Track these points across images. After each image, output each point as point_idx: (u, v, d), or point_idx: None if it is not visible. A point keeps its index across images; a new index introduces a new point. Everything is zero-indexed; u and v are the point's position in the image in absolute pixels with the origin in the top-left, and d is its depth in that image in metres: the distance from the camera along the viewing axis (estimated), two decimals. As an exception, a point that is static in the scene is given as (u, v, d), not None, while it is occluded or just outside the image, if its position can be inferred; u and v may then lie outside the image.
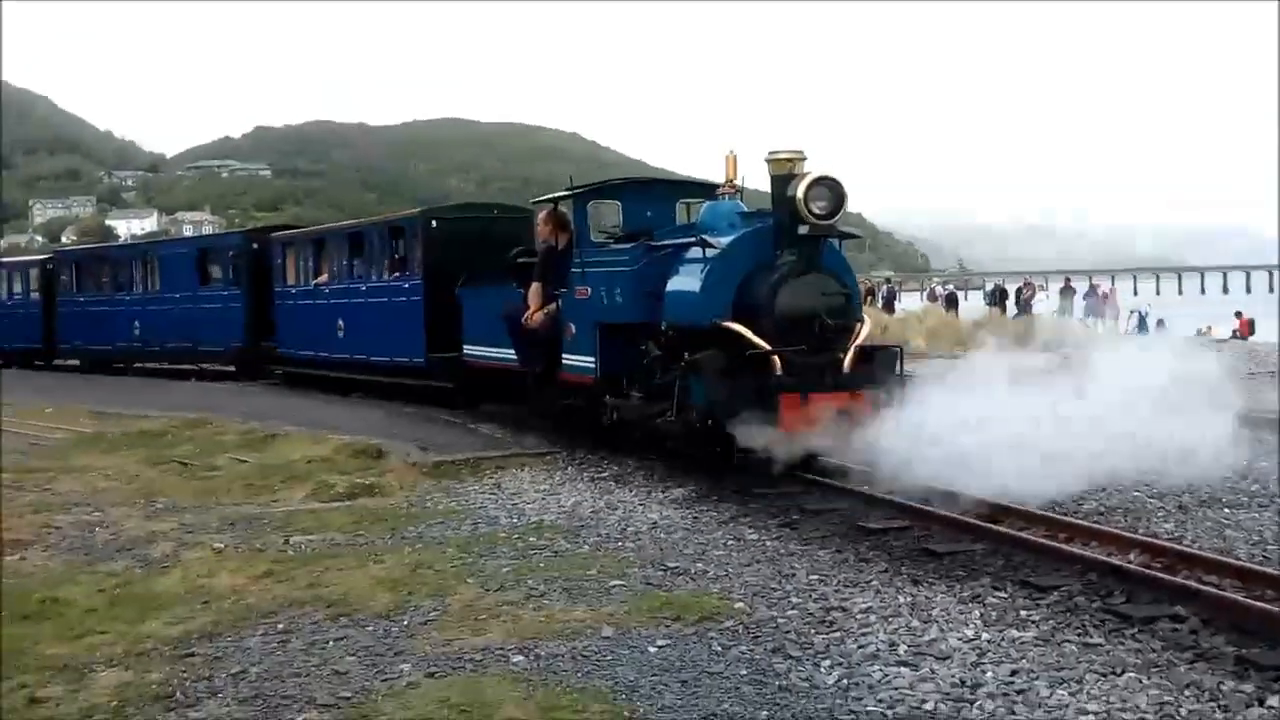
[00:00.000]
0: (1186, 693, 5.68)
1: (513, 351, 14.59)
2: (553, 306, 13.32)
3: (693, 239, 11.50)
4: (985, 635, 6.64)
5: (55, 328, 31.97)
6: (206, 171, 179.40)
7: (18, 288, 34.37)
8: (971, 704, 5.67)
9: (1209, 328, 38.04)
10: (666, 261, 11.80)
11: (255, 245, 25.27)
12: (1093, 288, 45.27)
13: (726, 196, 12.08)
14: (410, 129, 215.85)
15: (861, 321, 11.27)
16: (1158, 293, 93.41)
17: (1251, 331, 37.38)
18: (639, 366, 11.90)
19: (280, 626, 7.42)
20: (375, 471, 12.83)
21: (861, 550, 8.67)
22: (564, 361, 13.08)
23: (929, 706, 5.66)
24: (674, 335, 11.46)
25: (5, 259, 43.90)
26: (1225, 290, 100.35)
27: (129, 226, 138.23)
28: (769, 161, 10.87)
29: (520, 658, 6.57)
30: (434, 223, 18.26)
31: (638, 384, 11.95)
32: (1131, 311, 46.45)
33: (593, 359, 12.42)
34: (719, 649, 6.63)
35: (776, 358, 10.50)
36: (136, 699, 6.23)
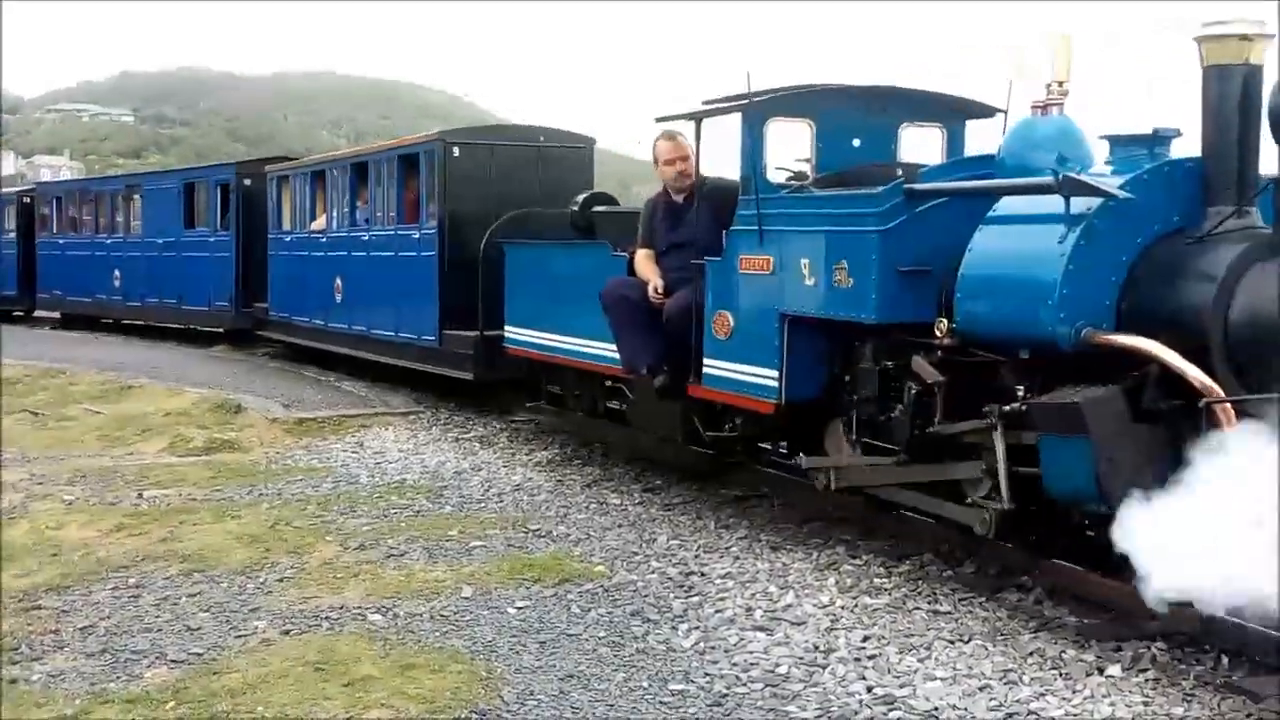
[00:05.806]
0: (1030, 660, 5.85)
1: (594, 341, 9.85)
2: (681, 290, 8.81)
3: (1044, 180, 6.24)
4: (840, 602, 6.76)
5: (35, 275, 27.70)
6: (67, 115, 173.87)
7: None
8: (824, 668, 5.78)
9: None
10: (951, 219, 6.89)
11: (248, 181, 20.74)
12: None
13: (1051, 111, 6.94)
14: (282, 80, 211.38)
15: None
16: None
17: None
18: (879, 397, 7.31)
19: (131, 581, 7.28)
20: (235, 427, 12.60)
21: (722, 518, 8.76)
22: (706, 370, 8.41)
23: (783, 670, 5.77)
24: (974, 350, 6.70)
25: None
26: None
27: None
28: (1203, 41, 6.07)
29: (378, 616, 6.54)
30: (456, 150, 13.90)
31: (871, 426, 7.44)
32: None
33: (775, 373, 7.72)
34: (578, 611, 6.66)
35: (1228, 408, 5.58)
36: (-21, 652, 6.07)
